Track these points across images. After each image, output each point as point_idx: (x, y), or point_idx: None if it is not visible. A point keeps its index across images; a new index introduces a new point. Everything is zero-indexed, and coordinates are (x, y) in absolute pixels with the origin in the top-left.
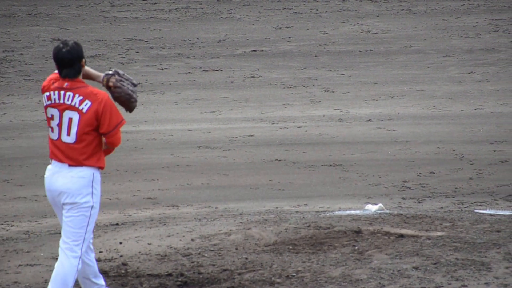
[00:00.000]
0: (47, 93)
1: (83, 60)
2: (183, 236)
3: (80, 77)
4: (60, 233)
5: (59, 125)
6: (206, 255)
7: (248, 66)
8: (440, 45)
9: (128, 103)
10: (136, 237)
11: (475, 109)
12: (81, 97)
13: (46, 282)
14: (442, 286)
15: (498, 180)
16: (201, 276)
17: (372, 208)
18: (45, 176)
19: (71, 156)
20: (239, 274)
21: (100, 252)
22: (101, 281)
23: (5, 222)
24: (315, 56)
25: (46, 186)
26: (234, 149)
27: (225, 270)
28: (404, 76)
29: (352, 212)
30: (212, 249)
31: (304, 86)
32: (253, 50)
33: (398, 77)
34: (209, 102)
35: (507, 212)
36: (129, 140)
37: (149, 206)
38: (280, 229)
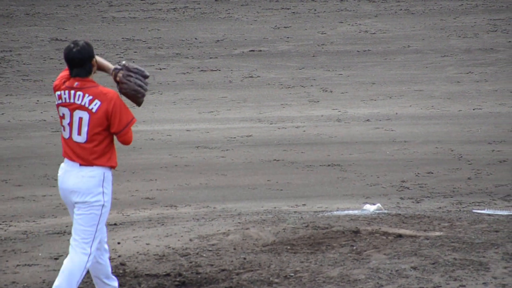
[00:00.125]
0: (58, 92)
1: (94, 59)
2: (181, 236)
3: (91, 77)
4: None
5: (70, 124)
6: (204, 255)
7: (246, 66)
8: (438, 45)
9: (135, 99)
10: (134, 237)
11: (473, 109)
12: (90, 97)
13: (44, 282)
14: (440, 286)
15: (496, 180)
16: (199, 276)
17: (370, 208)
18: (58, 174)
19: (81, 155)
20: (237, 274)
21: None
22: (114, 283)
23: (3, 222)
24: (313, 56)
25: (59, 184)
26: (232, 149)
27: (223, 270)
28: (402, 76)
29: (350, 212)
30: (210, 249)
31: (302, 86)
32: (251, 50)
33: (396, 77)
34: (207, 102)
35: (505, 212)
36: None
37: (147, 206)
38: (278, 229)
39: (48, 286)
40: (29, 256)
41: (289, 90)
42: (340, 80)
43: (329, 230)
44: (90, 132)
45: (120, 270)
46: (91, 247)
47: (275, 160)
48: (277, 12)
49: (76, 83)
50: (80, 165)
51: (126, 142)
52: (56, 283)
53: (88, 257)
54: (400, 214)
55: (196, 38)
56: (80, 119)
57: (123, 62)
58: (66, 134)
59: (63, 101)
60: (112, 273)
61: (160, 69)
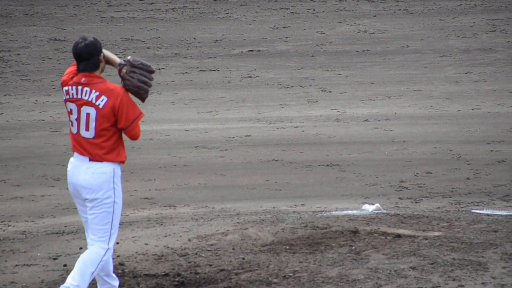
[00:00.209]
0: (66, 88)
1: (101, 55)
2: (180, 236)
3: (99, 72)
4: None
5: (78, 120)
6: (203, 255)
7: (245, 66)
8: (437, 45)
9: (139, 95)
10: (133, 237)
11: (472, 109)
12: (97, 93)
13: (43, 282)
14: (439, 286)
15: (495, 180)
16: (198, 276)
17: (369, 208)
18: (67, 169)
19: (90, 150)
20: (236, 274)
21: None
22: (115, 282)
23: (2, 222)
24: (312, 56)
25: (68, 179)
26: (231, 149)
27: (222, 270)
28: (401, 76)
29: (349, 212)
30: (209, 249)
31: (301, 86)
32: (250, 50)
33: (395, 77)
34: (206, 102)
35: (504, 212)
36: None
37: (146, 206)
38: (277, 229)
39: (47, 286)
40: (27, 256)
41: (288, 90)
42: (339, 80)
43: (328, 230)
44: (98, 128)
45: (119, 270)
46: (108, 243)
47: (274, 160)
48: (276, 12)
49: (83, 79)
50: (90, 159)
51: (134, 137)
52: (70, 274)
53: (106, 251)
54: (399, 214)
55: (195, 38)
56: (88, 114)
57: (128, 57)
58: (74, 129)
59: (71, 96)
60: (113, 272)
61: (159, 69)
